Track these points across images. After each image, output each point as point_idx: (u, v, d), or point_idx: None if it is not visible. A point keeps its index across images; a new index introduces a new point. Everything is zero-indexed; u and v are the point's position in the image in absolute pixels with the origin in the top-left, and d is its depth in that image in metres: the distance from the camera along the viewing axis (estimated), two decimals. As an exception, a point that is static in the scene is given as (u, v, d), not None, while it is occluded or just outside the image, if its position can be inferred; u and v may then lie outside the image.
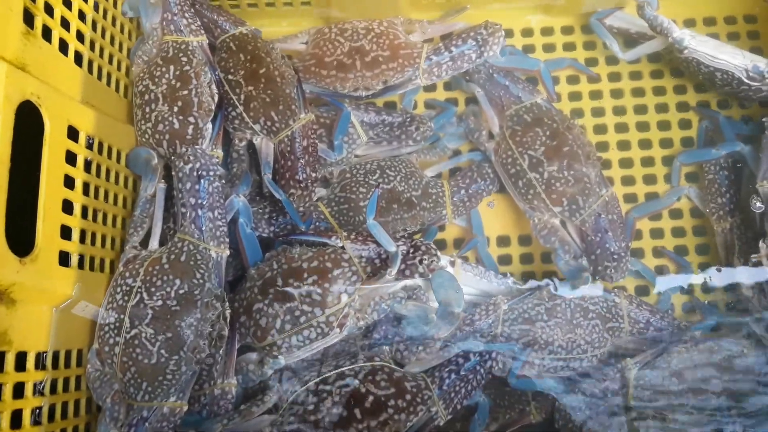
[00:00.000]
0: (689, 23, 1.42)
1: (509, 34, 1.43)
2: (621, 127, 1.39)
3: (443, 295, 1.12)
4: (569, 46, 1.43)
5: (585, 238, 1.25)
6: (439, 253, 1.12)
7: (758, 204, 1.17)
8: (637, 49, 1.35)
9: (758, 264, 1.19)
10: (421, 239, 1.16)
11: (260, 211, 1.21)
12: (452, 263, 1.23)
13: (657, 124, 1.38)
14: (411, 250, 1.12)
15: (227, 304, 1.09)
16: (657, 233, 1.34)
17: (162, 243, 1.13)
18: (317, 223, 1.22)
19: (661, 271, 1.31)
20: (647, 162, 1.37)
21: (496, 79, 1.35)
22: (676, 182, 1.34)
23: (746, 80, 1.24)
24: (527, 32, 1.44)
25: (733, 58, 1.25)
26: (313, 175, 1.20)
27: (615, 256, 1.24)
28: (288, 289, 1.09)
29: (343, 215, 1.23)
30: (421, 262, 1.11)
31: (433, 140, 1.34)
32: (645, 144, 1.38)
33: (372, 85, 1.31)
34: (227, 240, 1.11)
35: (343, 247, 1.14)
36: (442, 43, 1.33)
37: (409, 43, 1.34)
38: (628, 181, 1.37)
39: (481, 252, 1.31)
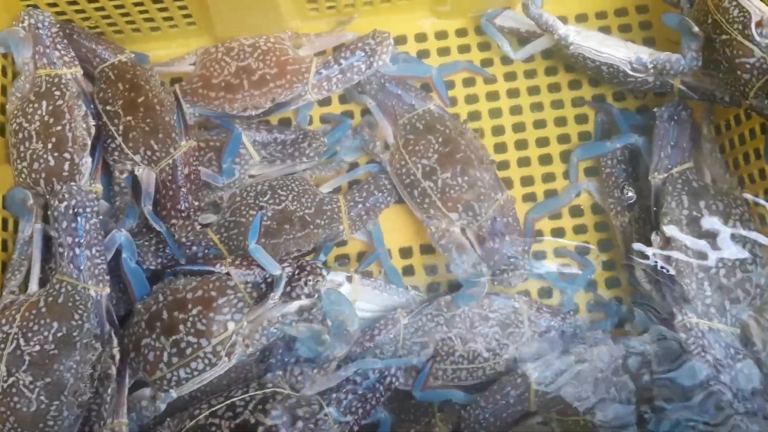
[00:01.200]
0: (581, 18, 1.41)
1: (403, 40, 1.42)
2: (518, 127, 1.38)
3: (335, 314, 1.12)
4: (464, 49, 1.41)
5: (483, 244, 1.25)
6: (325, 272, 1.11)
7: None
8: (527, 48, 1.33)
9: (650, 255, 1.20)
10: (308, 260, 1.14)
11: (146, 243, 1.19)
12: (349, 279, 1.22)
13: (553, 120, 1.38)
14: (296, 272, 1.11)
15: (115, 341, 1.07)
16: (558, 232, 1.33)
17: (43, 285, 1.11)
18: (206, 251, 1.20)
19: (563, 271, 1.31)
20: (545, 160, 1.37)
21: (389, 88, 1.33)
22: (573, 178, 1.34)
23: (631, 72, 1.23)
24: (421, 37, 1.42)
25: (617, 52, 1.24)
26: (196, 203, 1.18)
27: (513, 260, 1.23)
28: (173, 321, 1.08)
29: (233, 240, 1.21)
30: (306, 283, 1.09)
31: (329, 155, 1.33)
32: (542, 142, 1.37)
33: (261, 104, 1.28)
34: (107, 277, 1.08)
35: (228, 274, 1.12)
36: (331, 56, 1.32)
37: (297, 58, 1.32)
38: (527, 181, 1.36)
39: (384, 265, 1.29)
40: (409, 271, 1.33)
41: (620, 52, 1.24)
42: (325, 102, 1.40)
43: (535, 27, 1.31)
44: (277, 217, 1.22)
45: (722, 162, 1.25)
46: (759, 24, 1.06)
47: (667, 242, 1.18)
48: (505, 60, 1.40)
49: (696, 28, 1.16)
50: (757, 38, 1.06)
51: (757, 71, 1.08)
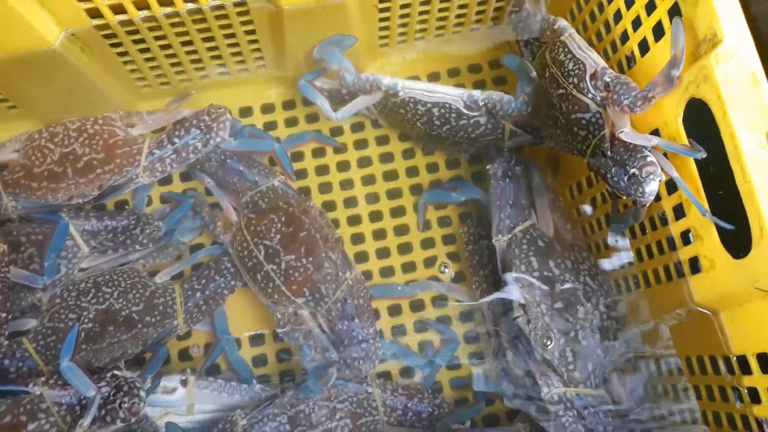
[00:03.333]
0: (434, 77, 1.37)
1: (248, 112, 1.35)
2: (372, 197, 1.32)
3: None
4: (312, 118, 1.35)
5: (333, 329, 1.17)
6: (143, 394, 1.00)
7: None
8: (348, 107, 1.24)
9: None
10: (126, 378, 1.02)
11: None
12: (184, 383, 1.12)
13: (409, 189, 1.32)
14: (113, 392, 0.99)
15: None
16: (417, 305, 1.27)
17: None
18: (21, 363, 1.08)
19: (424, 346, 1.24)
20: (401, 230, 1.30)
21: (230, 164, 1.25)
22: (421, 220, 1.30)
23: (464, 110, 1.16)
24: (268, 108, 1.35)
25: (449, 90, 1.17)
26: (3, 315, 1.07)
27: (363, 345, 1.15)
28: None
29: (51, 350, 1.08)
30: (121, 405, 0.98)
31: (166, 239, 1.23)
32: (398, 211, 1.31)
33: (87, 192, 1.18)
34: None
35: (41, 395, 1.01)
36: (165, 134, 1.23)
37: (128, 139, 1.22)
38: (383, 253, 1.29)
39: (229, 357, 1.20)
40: (260, 360, 1.24)
41: (452, 90, 1.18)
42: (167, 180, 1.31)
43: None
44: (100, 318, 1.11)
45: (563, 211, 1.22)
46: (593, 76, 0.99)
47: (522, 308, 1.12)
48: (356, 127, 1.34)
49: (534, 73, 1.12)
50: (592, 91, 0.99)
51: (593, 127, 1.00)
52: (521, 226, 1.17)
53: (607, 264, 1.17)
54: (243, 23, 1.15)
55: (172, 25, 1.12)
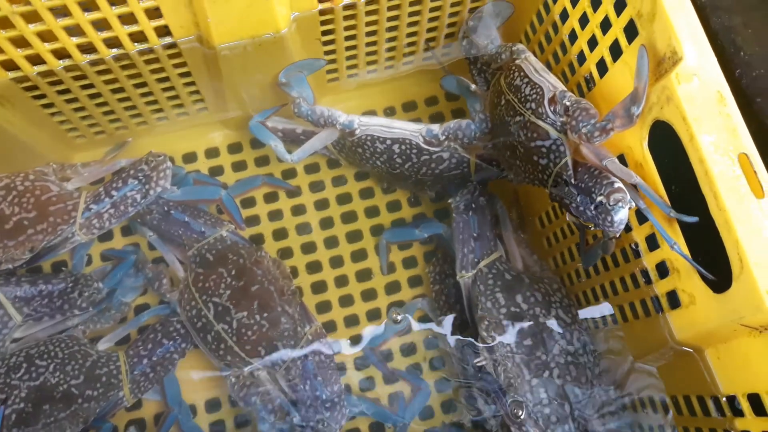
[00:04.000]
0: (390, 111, 1.30)
1: (192, 157, 1.27)
2: (331, 242, 1.24)
3: None
4: (262, 160, 1.27)
5: (294, 389, 1.07)
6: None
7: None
8: (305, 147, 1.16)
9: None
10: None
11: None
12: (131, 460, 1.02)
13: (370, 230, 1.24)
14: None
15: None
16: (385, 355, 1.18)
17: None
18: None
19: (394, 399, 1.15)
20: (363, 276, 1.22)
21: (173, 216, 1.17)
22: (384, 263, 1.22)
23: (424, 146, 1.10)
24: (213, 152, 1.27)
25: (407, 126, 1.11)
26: None
27: (328, 405, 1.06)
28: None
29: (-24, 435, 0.99)
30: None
31: (108, 302, 1.14)
32: (359, 255, 1.23)
33: (18, 256, 1.08)
34: None
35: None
36: (102, 187, 1.14)
37: (62, 194, 1.13)
38: (346, 301, 1.21)
39: (184, 427, 1.10)
40: (218, 428, 1.14)
41: (411, 126, 1.11)
42: (107, 236, 1.22)
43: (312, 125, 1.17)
44: (34, 396, 1.00)
45: (526, 243, 1.15)
46: (552, 101, 0.91)
47: (491, 350, 1.04)
48: (310, 168, 1.27)
49: (474, 86, 1.07)
50: (552, 116, 0.91)
51: (554, 154, 0.92)
52: (486, 259, 1.09)
53: (581, 297, 1.10)
54: (176, 66, 1.07)
55: (99, 72, 1.04)
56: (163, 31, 0.99)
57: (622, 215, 0.84)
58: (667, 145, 0.81)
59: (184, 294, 1.11)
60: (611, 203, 0.84)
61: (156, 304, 1.17)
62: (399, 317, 1.14)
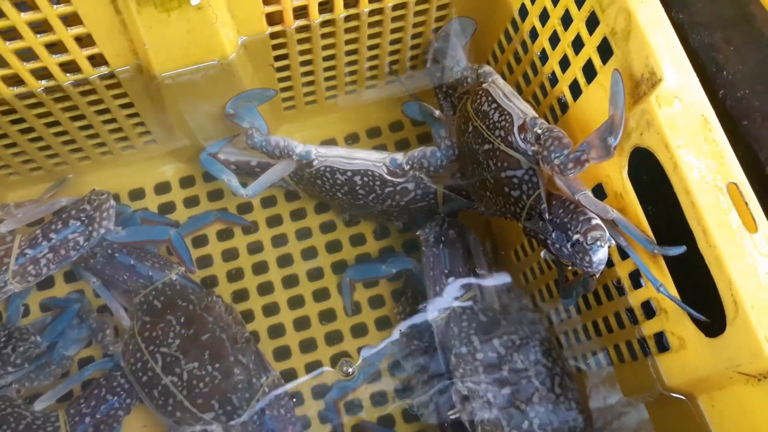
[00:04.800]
0: (352, 139, 1.22)
1: (140, 194, 1.17)
2: (291, 281, 1.15)
3: None
4: (216, 194, 1.18)
5: (251, 445, 0.98)
6: None
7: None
8: (261, 180, 1.07)
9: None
10: None
11: None
12: None
13: (332, 267, 1.15)
14: None
15: None
16: (353, 406, 1.08)
17: None
18: None
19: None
20: (327, 316, 1.13)
21: (118, 259, 1.07)
22: (348, 302, 1.13)
23: (388, 177, 1.02)
24: (163, 187, 1.18)
25: (369, 155, 1.03)
26: None
27: (288, 462, 0.97)
28: None
29: None
30: None
31: (47, 357, 1.04)
32: (321, 295, 1.14)
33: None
34: None
35: None
36: (39, 230, 1.04)
37: (-6, 238, 1.04)
38: (308, 346, 1.11)
39: (129, 492, 1.00)
40: (172, 488, 1.04)
41: (373, 155, 1.03)
42: (47, 283, 1.12)
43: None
44: (-44, 468, 0.91)
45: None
46: (522, 128, 0.83)
47: (466, 400, 0.95)
48: (267, 201, 1.18)
49: (438, 113, 1.00)
50: (522, 145, 0.83)
51: (526, 186, 0.84)
52: (460, 299, 1.01)
53: (563, 337, 1.02)
54: (116, 96, 0.98)
55: (29, 106, 0.95)
56: (99, 61, 0.91)
57: (601, 255, 0.76)
58: (648, 168, 0.74)
59: (128, 345, 1.01)
60: (588, 242, 0.76)
61: (101, 357, 1.07)
62: (350, 369, 1.05)
